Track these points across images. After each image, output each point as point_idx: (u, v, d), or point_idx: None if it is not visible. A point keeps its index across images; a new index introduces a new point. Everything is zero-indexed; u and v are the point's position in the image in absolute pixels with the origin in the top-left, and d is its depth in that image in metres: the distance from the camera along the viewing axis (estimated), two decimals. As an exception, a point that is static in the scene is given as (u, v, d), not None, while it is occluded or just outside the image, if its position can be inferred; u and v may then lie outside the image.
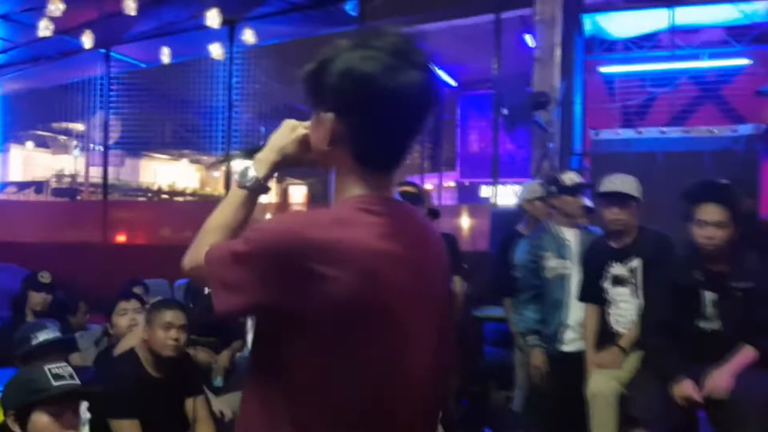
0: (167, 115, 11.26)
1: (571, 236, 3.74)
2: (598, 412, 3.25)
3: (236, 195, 1.34)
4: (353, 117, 1.18)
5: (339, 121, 1.19)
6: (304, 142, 1.34)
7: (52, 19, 6.70)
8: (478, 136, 14.52)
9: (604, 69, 8.26)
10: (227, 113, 8.04)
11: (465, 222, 8.26)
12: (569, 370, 3.56)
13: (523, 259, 3.81)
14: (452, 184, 14.97)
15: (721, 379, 2.95)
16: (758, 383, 2.95)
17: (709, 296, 3.07)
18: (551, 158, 6.02)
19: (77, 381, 2.17)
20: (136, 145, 10.52)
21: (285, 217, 1.33)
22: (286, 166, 1.36)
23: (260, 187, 1.35)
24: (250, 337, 4.32)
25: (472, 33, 9.27)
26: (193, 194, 19.04)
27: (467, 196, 14.21)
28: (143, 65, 8.93)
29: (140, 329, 3.29)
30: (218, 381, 4.40)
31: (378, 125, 1.18)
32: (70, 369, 2.19)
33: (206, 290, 4.79)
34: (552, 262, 3.69)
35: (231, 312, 1.20)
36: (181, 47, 7.97)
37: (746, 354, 3.01)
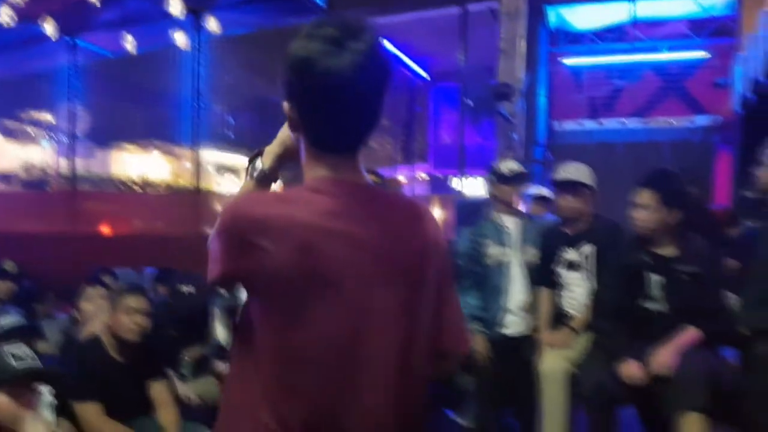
0: (136, 106, 11.19)
1: (511, 224, 3.81)
2: (549, 391, 3.37)
3: (245, 186, 1.44)
4: (299, 102, 1.26)
5: (292, 108, 1.28)
6: None
7: (16, 7, 6.63)
8: (449, 128, 14.63)
9: (568, 61, 8.40)
10: (195, 104, 8.02)
11: (435, 213, 8.35)
12: (512, 352, 3.68)
13: (465, 246, 3.88)
14: (425, 175, 15.08)
15: (665, 357, 3.08)
16: (700, 361, 3.09)
17: (655, 279, 3.20)
18: (515, 149, 6.14)
19: (38, 362, 2.22)
20: (106, 136, 10.46)
21: (240, 198, 1.39)
22: (290, 158, 1.41)
23: (265, 177, 1.42)
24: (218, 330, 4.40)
25: (443, 25, 9.35)
26: (164, 186, 18.89)
27: (439, 187, 14.32)
28: (110, 54, 8.86)
29: (103, 314, 3.34)
30: (186, 369, 4.46)
31: (320, 108, 1.24)
32: (29, 350, 2.24)
33: (183, 288, 4.87)
34: (492, 250, 3.77)
35: (213, 281, 1.30)
36: (147, 37, 7.93)
37: (690, 334, 3.14)
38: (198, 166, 8.08)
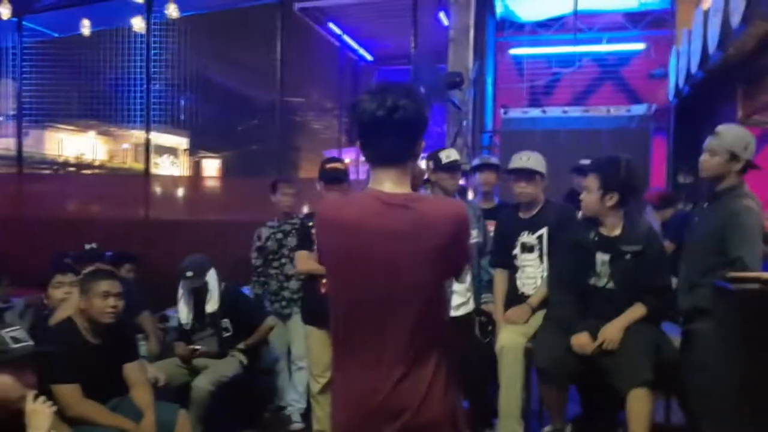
0: (75, 86, 10.90)
1: None
2: (506, 365, 3.60)
3: None
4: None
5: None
6: None
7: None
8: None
9: (514, 51, 8.67)
10: (145, 85, 7.93)
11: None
12: (459, 332, 3.84)
13: None
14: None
15: (612, 331, 3.35)
16: (645, 336, 3.38)
17: (601, 257, 3.46)
18: (465, 135, 6.36)
19: (33, 342, 2.29)
20: (41, 115, 10.18)
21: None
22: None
23: None
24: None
25: (389, 9, 9.46)
26: (101, 167, 18.44)
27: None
28: (56, 35, 8.65)
29: (75, 299, 3.38)
30: (143, 349, 4.54)
31: (359, 136, 1.83)
32: (25, 333, 2.31)
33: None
34: None
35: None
36: (99, 18, 7.78)
37: (636, 310, 3.43)
38: (148, 148, 7.99)
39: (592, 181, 3.47)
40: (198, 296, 4.37)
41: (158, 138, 18.70)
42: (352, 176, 4.80)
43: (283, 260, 4.68)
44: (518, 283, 3.88)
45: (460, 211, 1.83)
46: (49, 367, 2.99)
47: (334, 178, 3.98)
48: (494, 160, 4.91)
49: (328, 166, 4.04)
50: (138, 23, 7.69)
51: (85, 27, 7.65)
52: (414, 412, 1.72)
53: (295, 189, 4.84)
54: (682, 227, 3.75)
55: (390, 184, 1.80)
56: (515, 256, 3.88)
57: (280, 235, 4.70)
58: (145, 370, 3.59)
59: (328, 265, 1.87)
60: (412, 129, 1.78)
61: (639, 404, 3.23)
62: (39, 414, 2.18)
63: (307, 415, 4.47)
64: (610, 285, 3.46)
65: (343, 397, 1.84)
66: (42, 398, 2.29)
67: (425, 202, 1.83)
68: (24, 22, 8.11)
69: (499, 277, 3.95)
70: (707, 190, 3.42)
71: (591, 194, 3.46)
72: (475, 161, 4.64)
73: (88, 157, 18.19)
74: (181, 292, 4.41)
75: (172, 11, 7.49)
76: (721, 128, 3.31)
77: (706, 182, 3.39)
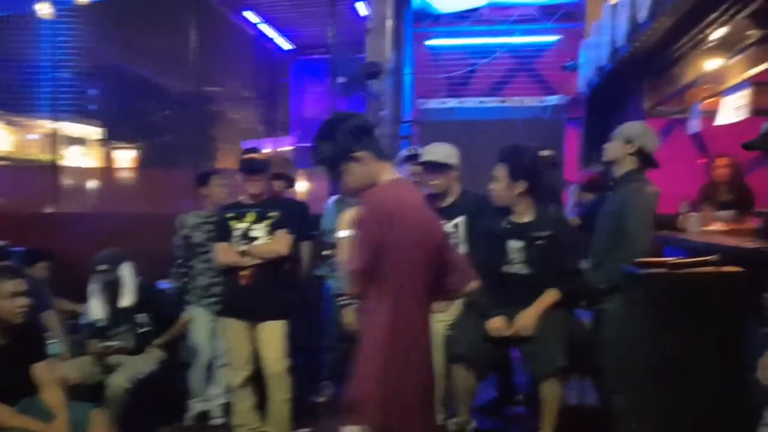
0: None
1: None
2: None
3: None
4: None
5: None
6: None
7: None
8: (312, 101, 14.67)
9: (431, 42, 8.75)
10: (51, 73, 7.57)
11: (302, 186, 8.44)
12: None
13: (334, 224, 4.09)
14: (289, 148, 15.04)
15: (527, 318, 3.46)
16: (558, 322, 3.50)
17: (514, 244, 3.56)
18: (383, 125, 6.38)
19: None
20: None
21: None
22: None
23: None
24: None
25: (307, -2, 9.39)
26: (5, 158, 17.51)
27: (304, 160, 14.34)
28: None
29: None
30: (54, 347, 4.35)
31: None
32: None
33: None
34: None
35: None
36: (4, 3, 7.36)
37: (551, 296, 3.55)
38: (55, 138, 7.64)
39: (500, 171, 3.58)
40: (112, 291, 4.23)
41: (68, 128, 17.94)
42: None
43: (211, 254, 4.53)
44: None
45: None
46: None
47: (253, 168, 3.94)
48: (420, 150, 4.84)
49: (247, 156, 4.00)
50: (43, 9, 7.31)
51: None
52: None
53: (228, 181, 4.70)
54: (593, 210, 3.98)
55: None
56: None
57: (208, 227, 4.55)
58: (55, 369, 3.44)
59: (395, 245, 2.12)
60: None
61: (551, 393, 3.39)
62: None
63: (226, 410, 4.41)
64: (525, 271, 3.57)
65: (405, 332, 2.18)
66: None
67: None
68: None
69: None
70: (611, 178, 3.65)
71: (500, 183, 3.57)
72: (403, 152, 4.54)
73: (-9, 149, 17.23)
74: (93, 287, 4.26)
75: (83, -2, 7.16)
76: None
77: (610, 170, 3.61)
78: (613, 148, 3.60)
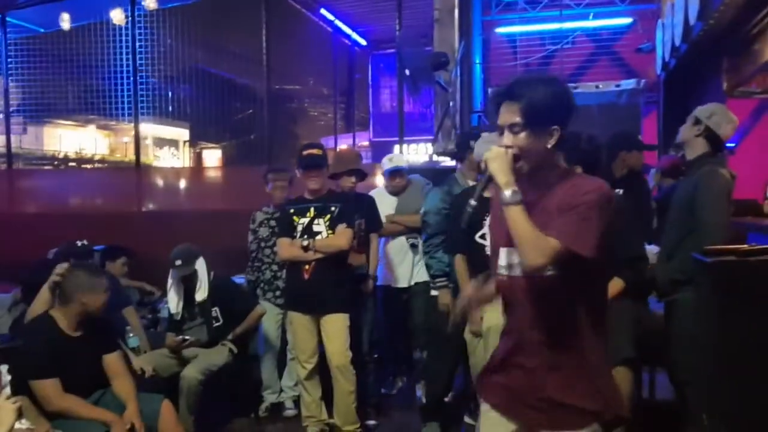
0: (70, 80, 10.92)
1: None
2: (493, 343, 3.53)
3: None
4: None
5: None
6: None
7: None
8: (389, 96, 14.72)
9: (502, 29, 8.59)
10: (132, 77, 7.91)
11: (379, 180, 8.46)
12: None
13: (435, 206, 4.08)
14: (366, 143, 15.19)
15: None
16: (627, 312, 3.36)
17: None
18: (452, 116, 6.32)
19: (-1, 341, 2.30)
20: (38, 111, 10.19)
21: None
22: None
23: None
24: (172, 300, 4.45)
25: (381, -8, 9.42)
26: (101, 161, 18.51)
27: (381, 155, 14.41)
28: (42, 30, 8.64)
29: (46, 294, 3.38)
30: (133, 341, 4.55)
31: None
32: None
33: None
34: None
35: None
36: (81, 12, 7.75)
37: (615, 285, 3.37)
38: (138, 140, 7.98)
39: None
40: (187, 285, 4.37)
41: (158, 130, 18.76)
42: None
43: (276, 249, 4.63)
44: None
45: None
46: (25, 362, 3.02)
47: (312, 164, 4.00)
48: None
49: (305, 152, 4.05)
50: (117, 16, 7.65)
51: (65, 21, 7.61)
52: None
53: (287, 178, 4.77)
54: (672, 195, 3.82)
55: None
56: (475, 241, 3.65)
57: (273, 223, 4.66)
58: (124, 360, 3.59)
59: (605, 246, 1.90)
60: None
61: (620, 383, 3.23)
62: (2, 410, 2.19)
63: (299, 402, 4.49)
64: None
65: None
66: (5, 394, 2.29)
67: None
68: (8, 18, 8.10)
69: (461, 261, 3.79)
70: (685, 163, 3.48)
71: None
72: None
73: (88, 152, 18.25)
74: (170, 281, 4.42)
75: (150, 2, 7.44)
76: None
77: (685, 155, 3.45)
78: (684, 130, 3.43)
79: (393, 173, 4.85)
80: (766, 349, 2.75)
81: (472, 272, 3.71)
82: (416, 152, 13.50)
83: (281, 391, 4.70)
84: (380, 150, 14.77)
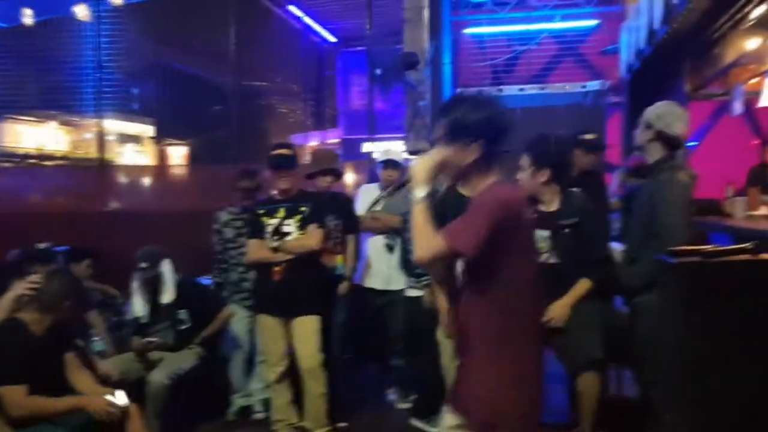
0: (31, 76, 10.69)
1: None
2: None
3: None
4: None
5: None
6: None
7: None
8: (358, 93, 14.69)
9: (471, 30, 8.63)
10: (97, 73, 7.76)
11: (350, 178, 8.44)
12: None
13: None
14: (336, 140, 15.12)
15: (558, 309, 3.38)
16: (592, 311, 3.42)
17: (541, 233, 3.46)
18: (422, 116, 6.33)
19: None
20: (-2, 107, 9.98)
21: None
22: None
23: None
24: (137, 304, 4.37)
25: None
26: (63, 158, 18.10)
27: (351, 152, 14.38)
28: (2, 25, 8.43)
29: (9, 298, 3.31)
30: (99, 344, 4.48)
31: None
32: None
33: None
34: None
35: (474, 246, 2.00)
36: (44, 7, 7.58)
37: (582, 286, 3.45)
38: (102, 137, 7.83)
39: (524, 160, 3.50)
40: (152, 288, 4.31)
41: (122, 126, 18.41)
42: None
43: (242, 250, 4.57)
44: None
45: None
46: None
47: (281, 164, 3.96)
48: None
49: (275, 152, 4.01)
50: (81, 11, 7.48)
51: (27, 16, 7.43)
52: None
53: (258, 179, 4.64)
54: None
55: None
56: None
57: (239, 224, 4.60)
58: (89, 360, 3.54)
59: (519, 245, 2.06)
60: None
61: (589, 386, 3.31)
62: None
63: (268, 405, 4.46)
64: (553, 260, 3.48)
65: (523, 372, 2.10)
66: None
67: None
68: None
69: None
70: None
71: (524, 172, 3.49)
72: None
73: (49, 149, 17.84)
74: (135, 284, 4.35)
75: (117, -1, 7.28)
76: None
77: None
78: (639, 135, 3.44)
79: (387, 164, 4.72)
80: (729, 349, 2.81)
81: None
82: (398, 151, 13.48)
83: (250, 394, 4.66)
84: (350, 147, 14.73)
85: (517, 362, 2.09)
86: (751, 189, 4.95)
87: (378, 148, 9.64)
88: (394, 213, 4.67)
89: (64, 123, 17.95)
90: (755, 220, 4.12)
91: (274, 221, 3.99)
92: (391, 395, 4.81)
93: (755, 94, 4.54)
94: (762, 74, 4.37)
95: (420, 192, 2.07)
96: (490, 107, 2.14)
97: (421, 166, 2.10)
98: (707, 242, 4.15)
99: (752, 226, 3.76)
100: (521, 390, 2.10)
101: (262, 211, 4.05)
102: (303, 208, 3.99)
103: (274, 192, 4.10)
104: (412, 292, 4.27)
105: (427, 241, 2.00)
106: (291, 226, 3.98)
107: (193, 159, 17.99)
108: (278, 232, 3.97)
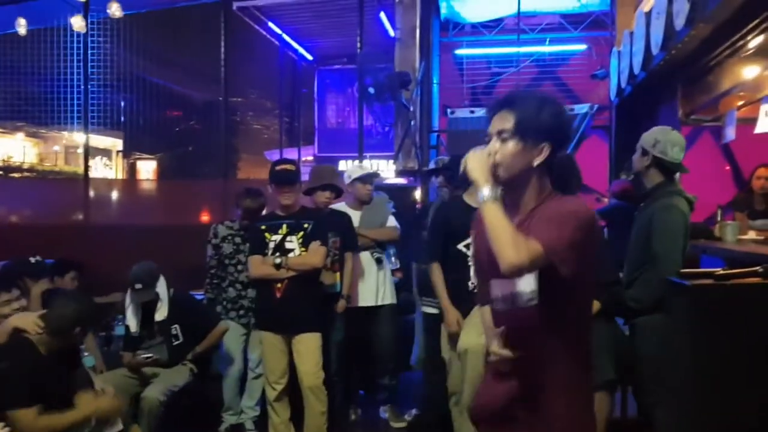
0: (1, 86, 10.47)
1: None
2: (471, 366, 3.51)
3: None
4: None
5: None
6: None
7: None
8: (335, 112, 14.71)
9: (460, 51, 8.72)
10: (82, 85, 7.62)
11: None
12: None
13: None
14: (311, 158, 15.10)
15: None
16: (604, 332, 3.43)
17: None
18: (413, 135, 6.36)
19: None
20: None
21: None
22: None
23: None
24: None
25: (329, 9, 9.44)
26: (30, 170, 17.76)
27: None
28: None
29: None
30: (89, 360, 4.35)
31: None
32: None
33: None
34: None
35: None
36: (35, 16, 7.42)
37: (593, 307, 3.47)
38: (87, 151, 7.68)
39: None
40: (147, 305, 4.22)
41: (90, 139, 18.15)
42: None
43: (240, 267, 4.50)
44: (471, 282, 3.65)
45: None
46: (3, 391, 2.86)
47: (286, 179, 3.92)
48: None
49: (279, 167, 3.97)
50: (77, 22, 7.34)
51: (21, 26, 7.27)
52: None
53: (261, 200, 4.50)
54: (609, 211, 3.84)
55: None
56: (464, 253, 3.67)
57: (238, 240, 4.53)
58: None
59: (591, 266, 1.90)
60: None
61: (600, 406, 3.28)
62: None
63: (259, 422, 4.39)
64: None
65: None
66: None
67: None
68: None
69: (438, 270, 3.80)
70: (642, 189, 3.55)
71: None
72: (431, 164, 4.70)
73: (16, 160, 17.47)
74: (128, 300, 4.25)
75: (115, 10, 7.18)
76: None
77: (641, 180, 3.52)
78: (635, 161, 3.45)
79: (366, 179, 4.69)
80: (741, 370, 2.85)
81: (447, 279, 3.78)
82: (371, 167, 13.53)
83: (241, 411, 4.58)
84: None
85: (590, 382, 2.05)
86: (738, 214, 5.07)
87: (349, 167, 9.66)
88: (372, 226, 4.68)
89: (31, 135, 17.63)
90: (746, 244, 4.21)
91: (276, 237, 3.94)
92: (383, 413, 4.77)
93: (745, 121, 4.66)
94: (756, 102, 4.49)
95: (486, 191, 1.79)
96: (562, 109, 1.92)
97: (476, 162, 1.84)
98: (698, 265, 4.22)
99: (744, 249, 3.84)
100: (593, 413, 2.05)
101: (264, 227, 4.00)
102: (306, 225, 3.95)
103: (277, 208, 4.04)
104: (429, 310, 4.24)
105: (517, 242, 1.72)
106: (293, 243, 3.93)
107: (162, 173, 17.81)
108: (281, 249, 3.92)
